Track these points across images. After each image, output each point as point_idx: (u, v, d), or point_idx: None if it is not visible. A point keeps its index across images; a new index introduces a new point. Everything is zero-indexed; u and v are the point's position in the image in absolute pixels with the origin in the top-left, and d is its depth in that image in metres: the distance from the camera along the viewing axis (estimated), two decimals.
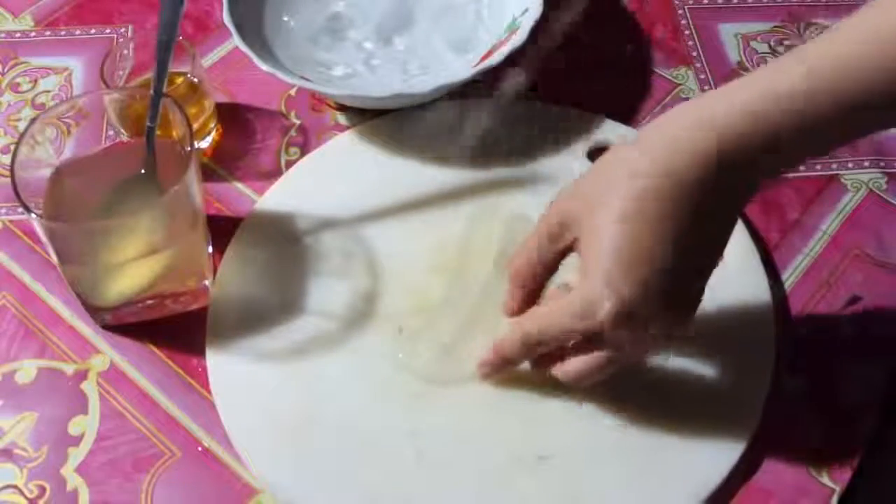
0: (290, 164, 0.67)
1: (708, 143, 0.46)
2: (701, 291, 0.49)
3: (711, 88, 0.72)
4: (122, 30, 0.76)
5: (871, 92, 0.44)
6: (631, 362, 0.50)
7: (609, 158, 0.49)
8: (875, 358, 0.58)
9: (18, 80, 0.72)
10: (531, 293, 0.53)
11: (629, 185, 0.47)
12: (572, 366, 0.50)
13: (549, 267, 0.52)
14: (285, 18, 0.72)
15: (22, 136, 0.54)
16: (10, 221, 0.64)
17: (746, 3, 0.78)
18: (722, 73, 0.73)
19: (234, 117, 0.70)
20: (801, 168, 0.67)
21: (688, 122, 0.47)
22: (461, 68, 0.68)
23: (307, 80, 0.66)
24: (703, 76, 0.73)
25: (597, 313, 0.47)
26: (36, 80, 0.72)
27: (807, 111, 0.44)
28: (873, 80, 0.44)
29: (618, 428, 0.54)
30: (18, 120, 0.70)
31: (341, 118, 0.70)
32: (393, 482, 0.53)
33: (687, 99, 0.71)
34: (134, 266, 0.55)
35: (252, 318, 0.59)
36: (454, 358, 0.56)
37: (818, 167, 0.67)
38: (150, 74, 0.59)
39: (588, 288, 0.47)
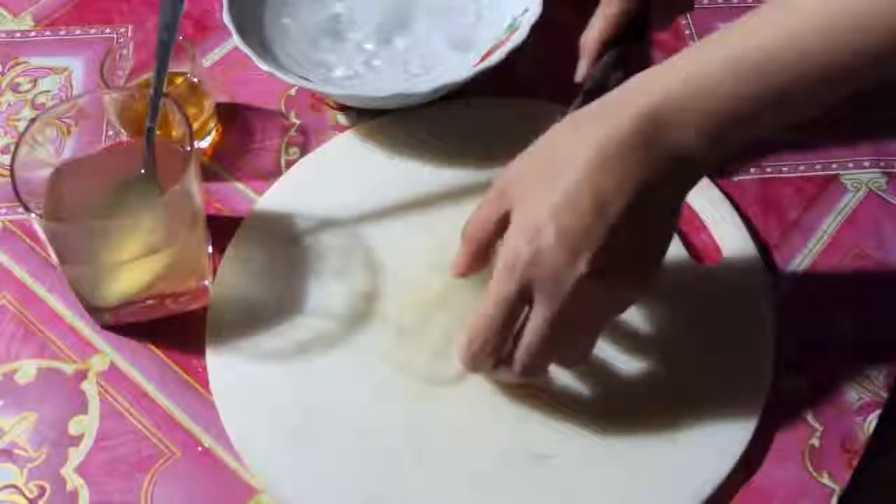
0: (290, 164, 0.67)
1: (646, 111, 0.47)
2: (643, 263, 0.50)
3: None
4: (122, 30, 0.76)
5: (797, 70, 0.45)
6: (572, 336, 0.50)
7: (548, 136, 0.51)
8: (875, 358, 0.58)
9: (18, 80, 0.72)
10: (479, 252, 0.53)
11: (573, 155, 0.48)
12: (518, 354, 0.51)
13: (495, 232, 0.52)
14: (285, 21, 0.72)
15: (22, 136, 0.54)
16: (10, 221, 0.64)
17: (746, 3, 0.78)
18: None
19: (234, 117, 0.70)
20: (801, 168, 0.67)
21: (641, 97, 0.48)
22: (462, 67, 0.68)
23: (307, 79, 0.66)
24: None
25: (520, 257, 0.48)
26: (36, 80, 0.72)
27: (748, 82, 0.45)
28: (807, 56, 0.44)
29: (617, 428, 0.54)
30: (18, 120, 0.70)
31: (341, 118, 0.70)
32: (393, 482, 0.53)
33: None
34: (134, 266, 0.55)
35: (252, 318, 0.59)
36: (452, 357, 0.56)
37: (818, 167, 0.67)
38: (150, 74, 0.59)
39: (512, 242, 0.49)
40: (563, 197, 0.47)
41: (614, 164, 0.47)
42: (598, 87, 0.60)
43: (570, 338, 0.51)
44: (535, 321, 0.49)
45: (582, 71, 0.61)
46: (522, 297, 0.49)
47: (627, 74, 0.58)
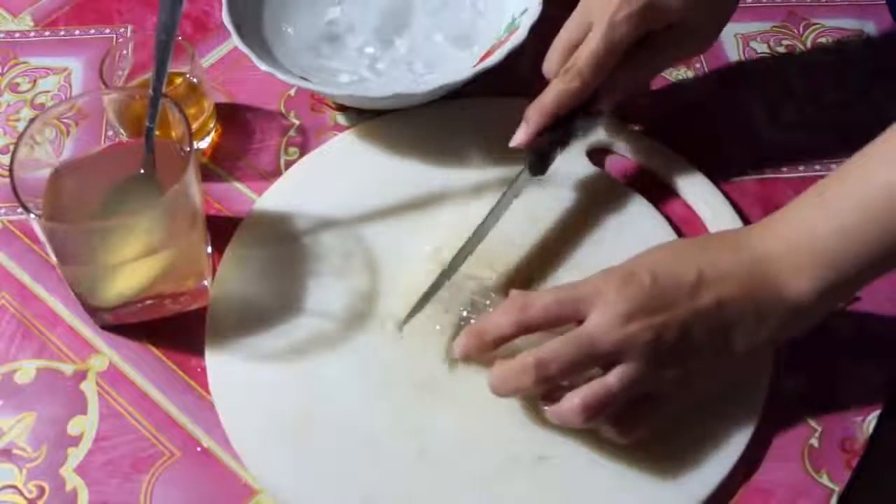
0: (289, 164, 0.67)
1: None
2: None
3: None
4: (122, 30, 0.76)
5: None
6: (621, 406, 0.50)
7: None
8: (875, 358, 0.58)
9: (18, 80, 0.72)
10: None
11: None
12: (572, 397, 0.50)
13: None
14: (284, 27, 0.72)
15: (21, 136, 0.54)
16: (10, 221, 0.64)
17: (746, 2, 0.78)
18: (721, 73, 0.73)
19: (233, 117, 0.70)
20: (801, 168, 0.67)
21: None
22: (465, 65, 0.68)
23: (306, 79, 0.66)
24: (702, 76, 0.73)
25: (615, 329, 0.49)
26: (35, 80, 0.72)
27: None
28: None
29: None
30: (18, 120, 0.70)
31: (341, 118, 0.70)
32: (393, 482, 0.53)
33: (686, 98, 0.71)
34: (133, 266, 0.55)
35: (252, 318, 0.59)
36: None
37: (817, 167, 0.67)
38: (149, 74, 0.59)
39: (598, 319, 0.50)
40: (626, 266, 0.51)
41: (698, 254, 0.51)
42: (539, 161, 0.59)
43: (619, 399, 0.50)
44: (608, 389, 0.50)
45: (519, 138, 0.60)
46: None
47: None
